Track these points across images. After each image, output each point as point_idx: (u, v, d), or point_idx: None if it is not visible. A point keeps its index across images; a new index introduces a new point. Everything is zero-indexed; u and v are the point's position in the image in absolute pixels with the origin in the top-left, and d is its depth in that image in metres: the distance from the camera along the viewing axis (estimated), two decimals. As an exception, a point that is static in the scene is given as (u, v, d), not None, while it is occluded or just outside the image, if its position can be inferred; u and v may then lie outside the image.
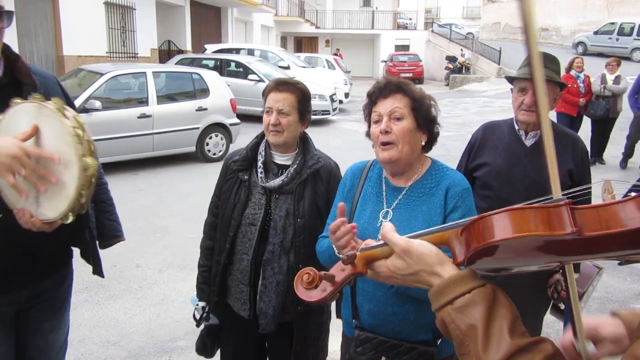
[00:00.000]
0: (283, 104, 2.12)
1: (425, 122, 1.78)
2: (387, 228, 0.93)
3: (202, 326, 2.37)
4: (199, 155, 9.27)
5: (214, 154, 9.40)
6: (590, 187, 0.98)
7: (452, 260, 0.87)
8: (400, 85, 1.78)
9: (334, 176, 2.22)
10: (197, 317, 2.34)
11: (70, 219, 1.56)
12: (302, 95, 2.18)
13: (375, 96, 1.80)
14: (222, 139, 9.49)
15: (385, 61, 30.71)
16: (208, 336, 2.37)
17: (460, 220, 0.87)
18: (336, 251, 1.71)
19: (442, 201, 1.76)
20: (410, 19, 39.60)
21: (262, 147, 2.23)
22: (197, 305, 2.35)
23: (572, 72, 8.85)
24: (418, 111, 1.76)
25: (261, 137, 2.26)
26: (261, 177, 2.16)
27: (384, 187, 1.86)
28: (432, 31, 33.80)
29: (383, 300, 1.77)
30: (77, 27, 12.96)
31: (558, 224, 0.72)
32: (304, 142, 2.25)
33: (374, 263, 0.95)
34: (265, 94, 2.20)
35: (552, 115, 7.99)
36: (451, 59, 27.59)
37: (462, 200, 1.76)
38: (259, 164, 2.19)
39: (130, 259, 4.87)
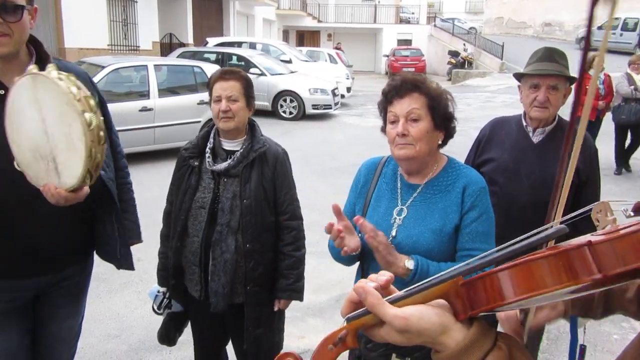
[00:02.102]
0: (231, 91, 2.22)
1: (443, 121, 1.78)
2: (374, 298, 0.77)
3: (163, 315, 2.44)
4: (200, 149, 9.25)
5: (215, 148, 9.39)
6: (590, 211, 0.91)
7: (455, 316, 0.77)
8: (417, 84, 1.76)
9: (280, 161, 2.31)
10: (157, 304, 2.41)
11: (93, 180, 1.59)
12: (246, 82, 2.29)
13: (391, 95, 1.78)
14: (223, 132, 9.47)
15: (387, 55, 30.63)
16: (170, 322, 2.44)
17: (457, 268, 0.77)
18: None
19: (459, 199, 1.77)
20: (413, 13, 39.46)
21: (211, 135, 2.32)
22: (158, 292, 2.42)
23: (591, 72, 8.39)
24: (435, 110, 1.75)
25: (211, 126, 2.36)
26: (209, 162, 2.25)
27: (399, 184, 1.87)
28: (435, 25, 33.66)
29: None
30: (78, 19, 12.92)
31: (582, 269, 0.63)
32: (252, 128, 2.34)
33: (369, 331, 0.81)
34: (210, 84, 2.30)
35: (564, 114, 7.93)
36: (454, 53, 27.49)
37: (479, 199, 1.77)
38: (207, 149, 2.28)
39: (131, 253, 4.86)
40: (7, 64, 1.73)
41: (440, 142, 1.82)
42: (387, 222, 1.80)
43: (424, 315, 0.76)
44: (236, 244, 2.19)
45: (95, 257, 2.18)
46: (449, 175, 1.82)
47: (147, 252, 4.94)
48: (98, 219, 2.02)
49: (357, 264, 1.94)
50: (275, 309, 2.36)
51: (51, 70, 1.55)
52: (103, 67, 8.21)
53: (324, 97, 13.54)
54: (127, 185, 2.24)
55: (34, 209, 1.72)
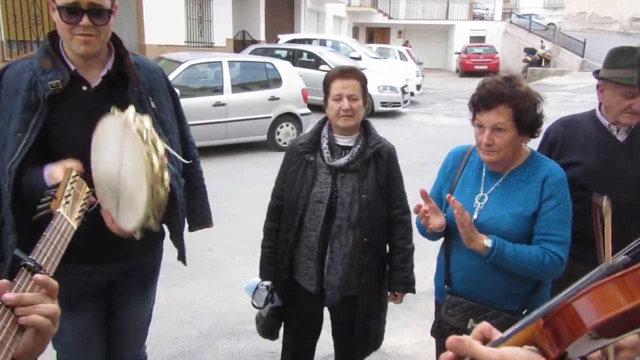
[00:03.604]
0: (352, 90, 2.25)
1: (528, 128, 1.91)
2: (467, 341, 0.80)
3: (265, 309, 2.44)
4: (270, 144, 9.42)
5: (285, 143, 9.51)
6: None
7: (546, 358, 0.79)
8: (504, 96, 1.85)
9: (393, 157, 2.37)
10: (260, 299, 2.42)
11: (138, 236, 1.65)
12: (364, 81, 2.33)
13: (478, 107, 1.91)
14: (292, 128, 9.60)
15: (459, 53, 29.90)
16: (274, 317, 2.47)
17: (537, 312, 0.81)
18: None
19: (539, 188, 1.92)
20: (487, 9, 38.18)
21: (325, 131, 2.36)
22: (262, 285, 2.42)
23: None
24: (521, 121, 1.87)
25: (323, 121, 2.40)
26: (327, 157, 2.29)
27: (483, 173, 2.05)
28: (510, 22, 32.45)
29: (476, 270, 1.98)
30: (158, 17, 13.51)
31: None
32: (365, 125, 2.38)
33: None
34: (328, 81, 2.32)
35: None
36: (530, 51, 26.42)
37: (557, 190, 1.92)
38: (324, 145, 2.32)
39: (203, 243, 5.02)
40: (89, 60, 1.82)
41: (524, 144, 1.99)
42: (470, 206, 1.97)
43: (517, 350, 0.79)
44: (354, 238, 2.24)
45: (168, 246, 2.24)
46: (530, 167, 1.97)
47: (218, 244, 5.12)
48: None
49: (441, 240, 2.19)
50: (392, 302, 2.44)
51: (145, 123, 1.59)
52: (180, 63, 8.53)
53: (393, 95, 13.41)
54: (198, 173, 2.28)
55: None
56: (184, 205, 2.09)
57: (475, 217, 1.96)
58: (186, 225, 2.24)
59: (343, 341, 2.50)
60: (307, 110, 9.85)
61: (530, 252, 1.89)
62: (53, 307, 0.89)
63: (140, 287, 2.14)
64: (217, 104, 8.61)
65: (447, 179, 2.13)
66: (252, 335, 3.57)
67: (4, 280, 0.87)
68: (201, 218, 2.25)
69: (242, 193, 6.93)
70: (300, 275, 2.36)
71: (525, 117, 1.86)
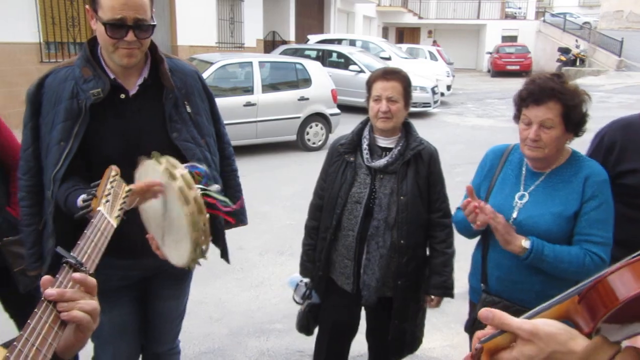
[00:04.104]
0: (392, 92, 2.24)
1: (575, 127, 1.90)
2: (499, 315, 0.82)
3: (303, 305, 2.50)
4: (299, 144, 9.45)
5: (314, 143, 9.54)
6: None
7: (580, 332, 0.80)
8: (554, 92, 1.84)
9: (434, 159, 2.34)
10: (299, 295, 2.48)
11: (202, 256, 1.66)
12: (407, 83, 2.31)
13: (527, 100, 1.90)
14: (322, 128, 9.60)
15: (490, 53, 29.42)
16: (310, 313, 2.51)
17: (572, 289, 0.82)
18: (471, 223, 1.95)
19: (581, 188, 1.90)
20: (520, 8, 37.46)
21: (366, 131, 2.37)
22: (301, 281, 2.48)
23: None
24: (569, 118, 1.86)
25: (365, 122, 2.40)
26: (367, 158, 2.30)
27: (523, 172, 2.03)
28: (544, 21, 31.77)
29: (512, 269, 1.98)
30: (190, 18, 13.71)
31: None
32: (407, 127, 2.37)
33: (501, 356, 0.83)
34: (370, 82, 2.32)
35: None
36: (564, 50, 25.82)
37: (599, 190, 1.89)
38: (365, 146, 2.33)
39: (233, 241, 5.02)
40: (128, 69, 1.85)
41: (568, 143, 1.97)
42: (509, 205, 1.98)
43: (549, 321, 0.80)
44: (392, 239, 2.25)
45: None
46: (572, 166, 1.96)
47: (247, 242, 5.17)
48: None
49: (474, 239, 2.20)
50: (428, 306, 2.42)
51: (185, 190, 1.55)
52: (212, 64, 8.63)
53: (423, 95, 13.28)
54: (233, 172, 2.31)
55: None
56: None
57: (514, 215, 1.96)
58: None
59: (377, 342, 2.50)
60: (337, 111, 9.84)
61: (571, 253, 1.86)
62: (93, 303, 0.91)
63: (174, 282, 2.18)
64: (248, 104, 8.69)
65: (485, 178, 2.12)
66: (281, 334, 3.61)
67: (47, 277, 0.90)
68: (237, 216, 2.27)
69: (271, 193, 6.98)
70: (337, 274, 2.38)
71: (574, 114, 1.85)
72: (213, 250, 2.31)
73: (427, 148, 2.33)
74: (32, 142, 1.86)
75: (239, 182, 2.34)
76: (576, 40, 26.17)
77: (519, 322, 0.80)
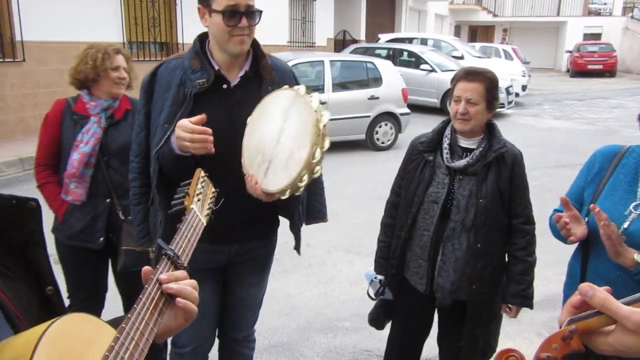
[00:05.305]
0: (472, 94, 2.19)
1: None
2: (603, 296, 0.75)
3: (376, 300, 2.52)
4: (368, 144, 9.43)
5: (382, 143, 9.48)
6: None
7: None
8: None
9: (518, 163, 2.25)
10: (373, 290, 2.49)
11: (286, 196, 1.77)
12: (490, 84, 2.22)
13: None
14: (391, 128, 9.53)
15: (570, 51, 28.02)
16: (382, 309, 2.53)
17: None
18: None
19: None
20: (605, 3, 35.34)
21: (447, 131, 2.32)
22: (375, 278, 2.49)
23: None
24: None
25: (447, 121, 2.35)
26: (446, 158, 2.26)
27: None
28: (632, 17, 29.79)
29: (617, 283, 1.77)
30: (263, 18, 13.84)
31: None
32: (490, 128, 2.31)
33: (593, 339, 0.78)
34: (453, 82, 2.27)
35: None
36: (653, 48, 24.14)
37: None
38: (445, 145, 2.29)
39: (302, 237, 5.15)
40: (234, 60, 1.99)
41: None
42: (620, 213, 1.81)
43: None
44: (468, 243, 2.20)
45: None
46: None
47: (316, 239, 5.22)
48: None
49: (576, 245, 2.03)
50: (507, 315, 2.35)
51: (315, 98, 1.77)
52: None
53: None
54: None
55: (241, 187, 1.91)
56: (305, 199, 2.20)
57: (625, 225, 1.81)
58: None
59: (448, 347, 2.46)
60: (407, 110, 9.73)
61: None
62: (196, 294, 0.97)
63: (255, 270, 2.27)
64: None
65: (591, 182, 1.97)
66: (349, 332, 3.62)
67: (148, 267, 0.96)
68: (318, 212, 2.33)
69: (339, 191, 7.00)
70: (411, 273, 2.36)
71: None
72: (283, 244, 2.38)
73: (511, 151, 2.26)
74: (144, 126, 2.04)
75: (322, 180, 2.36)
76: (667, 38, 24.43)
77: (626, 312, 0.73)
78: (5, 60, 8.49)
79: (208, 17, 1.91)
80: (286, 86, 1.85)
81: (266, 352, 3.36)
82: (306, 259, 4.80)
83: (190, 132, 1.74)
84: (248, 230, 2.09)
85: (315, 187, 2.30)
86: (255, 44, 2.05)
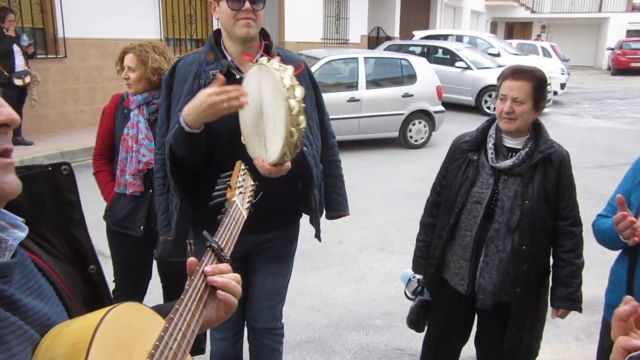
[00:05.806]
0: (518, 93, 2.13)
1: None
2: None
3: (415, 301, 2.49)
4: (401, 141, 9.34)
5: (416, 141, 9.39)
6: None
7: None
8: None
9: (565, 164, 2.20)
10: (411, 290, 2.47)
11: (290, 158, 1.79)
12: (538, 83, 2.15)
13: None
14: (425, 126, 9.42)
15: (612, 49, 27.15)
16: (421, 309, 2.49)
17: None
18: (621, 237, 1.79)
19: None
20: (650, -1, 34.17)
21: (492, 130, 2.27)
22: (414, 277, 2.47)
23: None
24: None
25: (492, 120, 2.30)
26: (491, 158, 2.21)
27: None
28: (678, 13, 28.75)
29: None
30: (298, 15, 14.05)
31: None
32: (537, 128, 2.25)
33: None
34: (500, 79, 2.22)
35: None
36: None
37: None
38: (490, 145, 2.24)
39: (334, 235, 5.14)
40: (245, 49, 2.02)
41: None
42: None
43: None
44: (512, 244, 2.16)
45: (303, 233, 2.37)
46: None
47: (348, 237, 5.21)
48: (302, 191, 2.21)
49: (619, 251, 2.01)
50: (553, 318, 2.31)
51: (274, 61, 1.80)
52: (318, 59, 8.78)
53: (534, 94, 12.57)
54: (336, 162, 2.37)
55: (259, 176, 1.92)
56: (322, 187, 2.22)
57: None
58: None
59: (489, 350, 2.41)
60: (442, 108, 9.59)
61: None
62: (239, 288, 0.98)
63: (271, 259, 2.28)
64: (352, 100, 8.74)
65: (638, 186, 1.92)
66: (380, 330, 3.60)
67: (193, 259, 0.97)
68: (338, 205, 2.33)
69: (372, 189, 6.98)
70: (451, 274, 2.33)
71: None
72: (315, 241, 2.37)
73: (558, 151, 2.20)
74: (166, 119, 2.11)
75: (342, 173, 2.39)
76: None
77: None
78: (48, 56, 8.75)
79: (217, 8, 1.98)
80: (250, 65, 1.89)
81: (298, 348, 3.37)
82: (338, 256, 4.80)
83: (221, 91, 1.72)
84: (270, 221, 2.12)
85: (334, 179, 2.31)
86: (265, 35, 2.11)
